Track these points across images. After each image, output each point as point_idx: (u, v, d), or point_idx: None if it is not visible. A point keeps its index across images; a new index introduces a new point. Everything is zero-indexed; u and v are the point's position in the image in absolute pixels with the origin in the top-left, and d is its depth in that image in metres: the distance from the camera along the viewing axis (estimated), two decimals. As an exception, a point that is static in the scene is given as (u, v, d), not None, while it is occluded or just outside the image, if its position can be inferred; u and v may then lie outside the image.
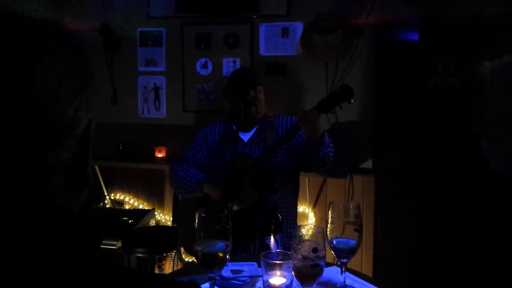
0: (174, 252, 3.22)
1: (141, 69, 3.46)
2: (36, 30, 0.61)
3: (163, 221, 3.49)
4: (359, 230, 1.37)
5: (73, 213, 0.66)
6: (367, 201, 3.05)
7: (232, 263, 1.55)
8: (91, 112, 0.65)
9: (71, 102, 0.61)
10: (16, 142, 0.57)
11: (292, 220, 2.34)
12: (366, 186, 3.09)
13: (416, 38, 2.89)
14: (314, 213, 3.22)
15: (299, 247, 1.24)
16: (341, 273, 1.40)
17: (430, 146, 2.88)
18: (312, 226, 1.33)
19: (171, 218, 3.31)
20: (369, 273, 2.96)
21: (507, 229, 1.46)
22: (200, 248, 1.28)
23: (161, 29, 3.39)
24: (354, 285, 1.44)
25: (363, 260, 3.06)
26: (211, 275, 1.29)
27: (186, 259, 3.29)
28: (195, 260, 1.31)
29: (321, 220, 3.20)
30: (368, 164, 3.14)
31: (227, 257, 1.28)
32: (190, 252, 2.64)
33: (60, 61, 0.60)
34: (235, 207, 2.12)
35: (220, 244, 1.29)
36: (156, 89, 3.45)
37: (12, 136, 0.57)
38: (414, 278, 2.96)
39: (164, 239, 2.84)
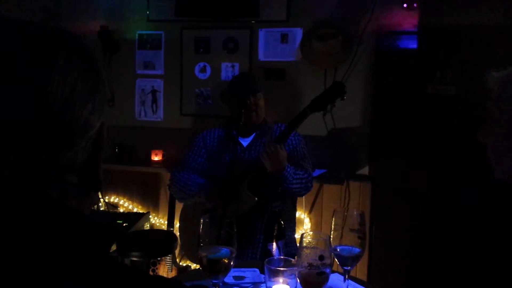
0: (168, 256, 3.20)
1: (139, 72, 3.46)
2: (51, 36, 0.64)
3: (158, 224, 3.47)
4: (363, 237, 1.37)
5: (84, 215, 0.67)
6: (363, 207, 3.05)
7: (234, 269, 1.54)
8: (103, 115, 0.67)
9: (85, 104, 0.63)
10: (33, 142, 0.59)
11: (290, 226, 2.34)
12: (362, 192, 3.10)
13: (415, 46, 2.92)
14: (310, 219, 3.22)
15: (305, 254, 1.24)
16: (344, 280, 1.40)
17: (427, 154, 2.90)
18: (317, 234, 1.33)
19: (166, 222, 3.29)
20: (364, 278, 2.96)
21: (507, 239, 1.47)
22: (204, 254, 1.27)
23: (160, 32, 3.39)
24: (357, 293, 1.45)
25: (358, 265, 3.06)
26: (215, 281, 1.29)
27: (181, 263, 3.27)
28: (199, 266, 1.31)
29: (317, 226, 3.20)
30: (365, 170, 3.15)
31: (232, 263, 1.28)
32: (191, 258, 2.63)
33: (75, 65, 0.63)
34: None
35: (225, 250, 1.28)
36: (154, 92, 3.45)
37: (29, 137, 0.59)
38: (408, 284, 2.97)
39: (159, 243, 2.82)
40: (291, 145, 2.31)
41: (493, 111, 1.21)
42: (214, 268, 1.28)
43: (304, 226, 3.19)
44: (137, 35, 3.41)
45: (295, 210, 2.45)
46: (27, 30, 0.63)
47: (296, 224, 2.85)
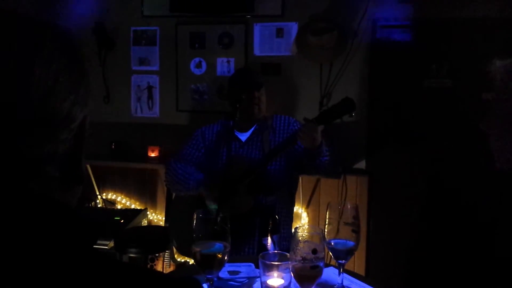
0: (166, 252, 3.21)
1: (134, 68, 3.44)
2: (34, 27, 0.63)
3: (155, 221, 3.48)
4: (357, 231, 1.37)
5: (70, 208, 0.66)
6: (360, 201, 3.06)
7: (229, 264, 1.54)
8: (86, 108, 0.67)
9: (67, 96, 0.62)
10: (14, 134, 0.59)
11: (288, 221, 2.34)
12: (359, 186, 3.10)
13: (410, 39, 2.91)
14: (308, 213, 3.22)
15: (298, 248, 1.24)
16: (339, 274, 1.40)
17: (423, 147, 2.90)
18: (311, 227, 1.33)
19: (164, 218, 3.30)
20: (362, 273, 2.97)
21: (505, 230, 1.47)
22: (198, 249, 1.27)
23: (155, 28, 3.37)
24: (351, 286, 1.45)
25: (356, 259, 3.08)
26: (209, 276, 1.29)
27: (179, 259, 3.28)
28: (193, 261, 1.31)
29: (314, 220, 3.21)
30: (362, 164, 3.15)
31: (226, 258, 1.28)
32: (182, 252, 2.63)
33: (58, 57, 0.62)
34: (213, 207, 2.10)
35: (219, 245, 1.29)
36: (150, 88, 3.44)
37: (10, 128, 0.58)
38: (406, 278, 2.98)
39: (157, 239, 2.82)
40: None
41: (496, 99, 1.20)
42: (208, 263, 1.28)
43: (302, 221, 3.20)
44: (132, 31, 3.40)
45: (293, 206, 2.45)
46: (11, 20, 0.62)
47: (294, 219, 2.85)
